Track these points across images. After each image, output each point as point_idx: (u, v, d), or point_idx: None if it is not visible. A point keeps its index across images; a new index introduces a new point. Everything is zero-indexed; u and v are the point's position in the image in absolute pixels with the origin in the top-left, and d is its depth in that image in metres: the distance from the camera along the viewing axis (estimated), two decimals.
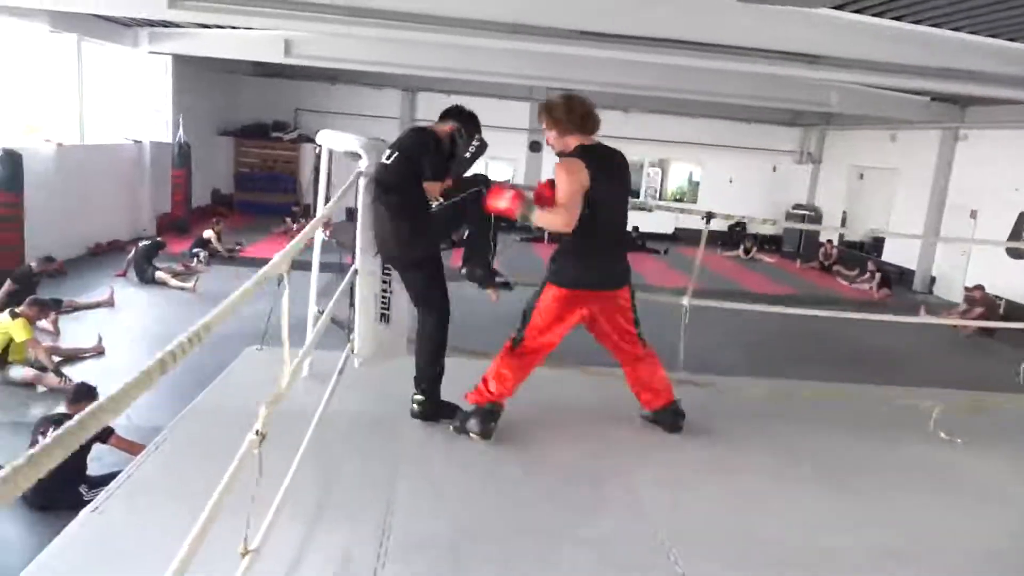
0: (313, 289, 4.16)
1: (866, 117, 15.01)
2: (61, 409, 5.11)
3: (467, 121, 3.48)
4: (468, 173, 3.57)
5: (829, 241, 16.78)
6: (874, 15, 7.41)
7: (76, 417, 1.04)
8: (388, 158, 3.41)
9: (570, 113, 3.35)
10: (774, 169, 19.51)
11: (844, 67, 8.64)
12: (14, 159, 8.60)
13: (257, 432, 1.85)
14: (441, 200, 3.39)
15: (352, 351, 3.57)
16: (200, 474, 1.64)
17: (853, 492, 3.31)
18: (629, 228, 17.25)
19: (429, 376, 3.52)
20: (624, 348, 3.60)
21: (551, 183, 3.30)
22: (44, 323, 7.68)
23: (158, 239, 10.97)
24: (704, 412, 3.95)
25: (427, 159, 3.34)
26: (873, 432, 4.00)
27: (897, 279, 14.63)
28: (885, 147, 16.13)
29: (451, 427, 3.45)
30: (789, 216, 18.47)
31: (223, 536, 1.85)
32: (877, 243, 16.29)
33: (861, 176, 17.60)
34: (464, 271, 3.53)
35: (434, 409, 3.52)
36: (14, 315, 6.56)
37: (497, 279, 3.55)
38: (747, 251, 17.14)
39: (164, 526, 1.51)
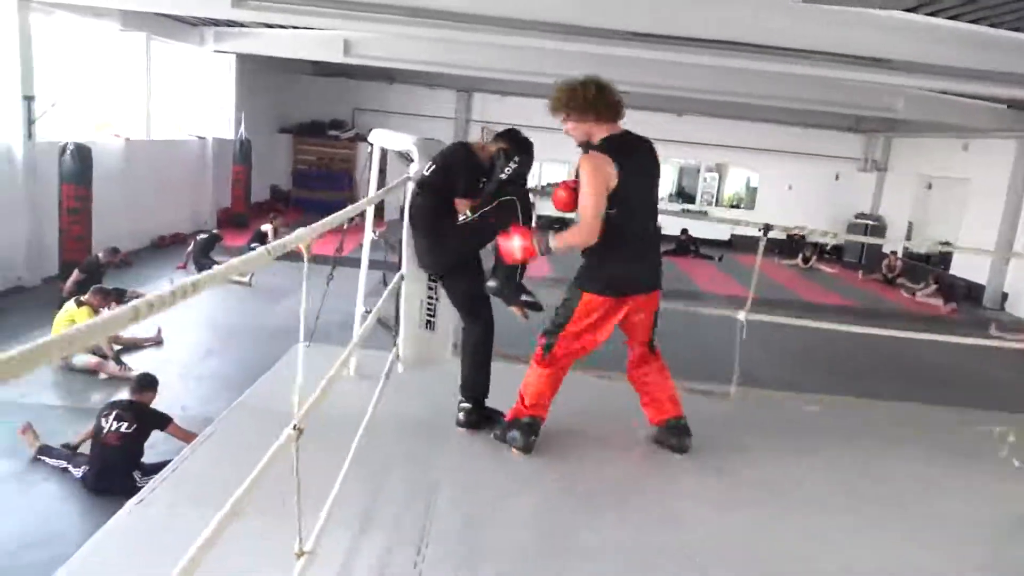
0: (361, 287, 4.17)
1: (936, 124, 14.43)
2: (123, 396, 5.24)
3: (516, 144, 3.33)
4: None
5: (893, 253, 16.18)
6: (949, 18, 7.10)
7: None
8: (427, 169, 3.41)
9: (588, 99, 3.07)
10: (836, 177, 18.94)
11: (913, 71, 8.30)
12: (84, 154, 8.90)
13: (295, 427, 1.83)
14: (468, 214, 3.29)
15: (397, 355, 3.56)
16: (241, 471, 1.63)
17: (910, 521, 3.14)
18: (678, 231, 16.85)
19: (475, 384, 3.48)
20: (638, 348, 3.48)
21: (570, 184, 3.13)
22: (107, 312, 7.93)
23: (215, 232, 11.22)
24: (756, 427, 3.82)
25: (461, 176, 3.30)
26: (938, 457, 3.81)
27: (965, 294, 14.03)
28: (956, 156, 15.47)
29: (492, 434, 3.40)
30: (851, 226, 17.91)
31: (275, 535, 1.85)
32: (944, 256, 15.65)
33: (929, 186, 16.94)
34: (490, 286, 3.43)
35: (480, 418, 3.49)
36: (79, 303, 6.79)
37: (524, 297, 3.42)
38: (806, 260, 16.67)
39: (204, 521, 1.50)
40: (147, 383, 5.13)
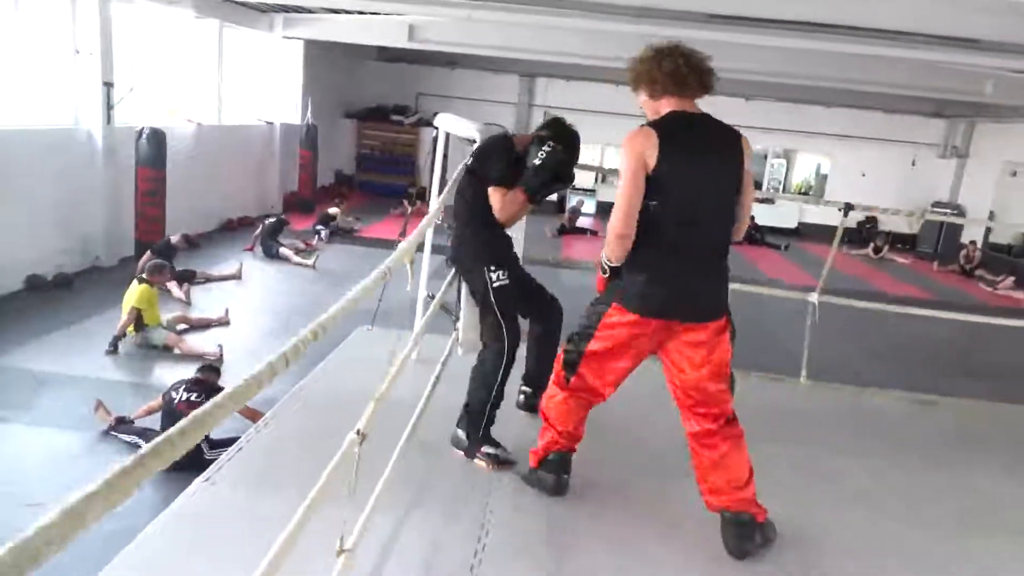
0: (424, 272, 4.17)
1: None
2: (192, 375, 5.39)
3: (555, 132, 3.05)
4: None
5: (972, 242, 15.42)
6: None
7: (213, 400, 1.17)
8: (469, 157, 3.29)
9: (658, 67, 2.48)
10: (913, 163, 18.13)
11: (1004, 52, 7.83)
12: (159, 138, 9.19)
13: (358, 432, 1.82)
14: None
15: (457, 340, 3.54)
16: (302, 458, 1.64)
17: (996, 535, 2.96)
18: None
19: (474, 414, 3.05)
20: (700, 409, 2.56)
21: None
22: (178, 293, 8.20)
23: (282, 216, 11.46)
24: (830, 421, 3.67)
25: (495, 163, 3.06)
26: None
27: None
28: None
29: (521, 476, 2.92)
30: (928, 215, 17.10)
31: (321, 531, 1.85)
32: None
33: (1014, 173, 16.04)
34: (456, 435, 3.06)
35: (473, 448, 3.05)
36: (141, 281, 7.01)
37: (487, 449, 2.97)
38: (877, 250, 16.03)
39: (265, 507, 1.51)
40: (210, 368, 5.38)
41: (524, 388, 3.50)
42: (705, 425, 2.54)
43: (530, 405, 3.46)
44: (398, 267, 1.98)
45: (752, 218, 13.81)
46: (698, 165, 2.45)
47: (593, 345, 2.57)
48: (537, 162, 2.92)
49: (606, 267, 2.52)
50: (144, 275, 7.12)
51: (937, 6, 6.77)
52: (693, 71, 2.48)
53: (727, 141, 2.52)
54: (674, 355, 2.54)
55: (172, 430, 0.99)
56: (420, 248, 4.22)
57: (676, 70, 2.46)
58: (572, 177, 3.13)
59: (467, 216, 3.16)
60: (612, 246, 2.46)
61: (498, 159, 3.05)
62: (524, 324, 3.31)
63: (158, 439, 0.94)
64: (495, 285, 3.02)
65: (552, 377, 2.75)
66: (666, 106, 2.50)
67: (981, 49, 7.72)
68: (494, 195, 3.00)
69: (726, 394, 2.59)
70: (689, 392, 2.54)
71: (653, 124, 2.46)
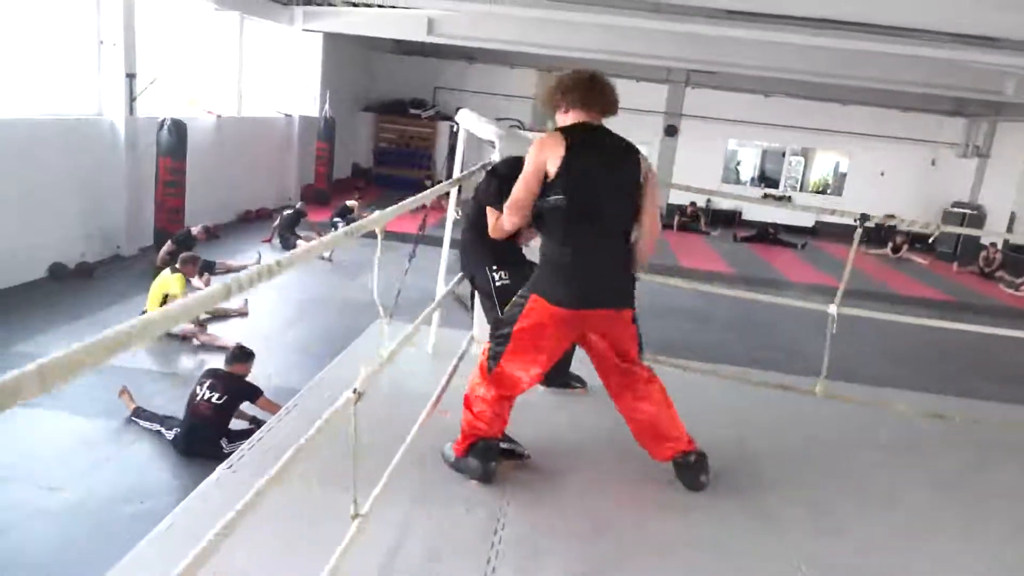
0: (443, 266, 4.21)
1: None
2: (218, 366, 5.43)
3: None
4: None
5: (992, 244, 15.26)
6: None
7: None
8: (479, 171, 3.39)
9: (570, 84, 2.76)
10: (932, 163, 17.97)
11: None
12: (180, 129, 9.28)
13: (355, 391, 1.88)
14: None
15: (473, 337, 3.58)
16: (321, 447, 1.69)
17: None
18: (758, 218, 16.20)
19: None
20: (621, 371, 2.87)
21: None
22: (198, 282, 8.30)
23: (299, 207, 11.51)
24: (850, 427, 3.68)
25: (493, 183, 3.14)
26: None
27: None
28: None
29: (446, 462, 2.92)
30: (947, 215, 16.98)
31: (336, 499, 1.90)
32: None
33: None
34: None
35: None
36: (175, 271, 7.13)
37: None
38: (896, 249, 15.91)
39: (285, 488, 1.57)
40: (244, 355, 5.30)
41: None
42: (637, 374, 2.85)
43: (549, 381, 3.48)
44: (360, 232, 1.96)
45: (775, 225, 13.61)
46: (607, 172, 2.69)
47: (517, 339, 2.70)
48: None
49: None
50: (178, 265, 7.23)
51: (958, 4, 6.72)
52: (599, 90, 2.76)
53: (627, 152, 2.77)
54: (598, 339, 2.79)
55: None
56: (439, 242, 4.27)
57: (590, 89, 2.74)
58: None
59: (472, 222, 3.26)
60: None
61: (498, 184, 3.11)
62: None
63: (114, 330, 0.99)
64: (498, 284, 3.15)
65: (475, 370, 2.83)
66: (572, 118, 2.76)
67: (1002, 48, 7.65)
68: (489, 214, 3.10)
69: (636, 352, 2.88)
70: (611, 357, 2.83)
71: (564, 131, 2.70)
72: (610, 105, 2.78)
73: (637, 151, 2.79)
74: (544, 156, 2.63)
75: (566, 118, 2.77)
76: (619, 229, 2.75)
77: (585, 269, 2.65)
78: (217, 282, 8.97)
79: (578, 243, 2.66)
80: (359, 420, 1.82)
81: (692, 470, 2.91)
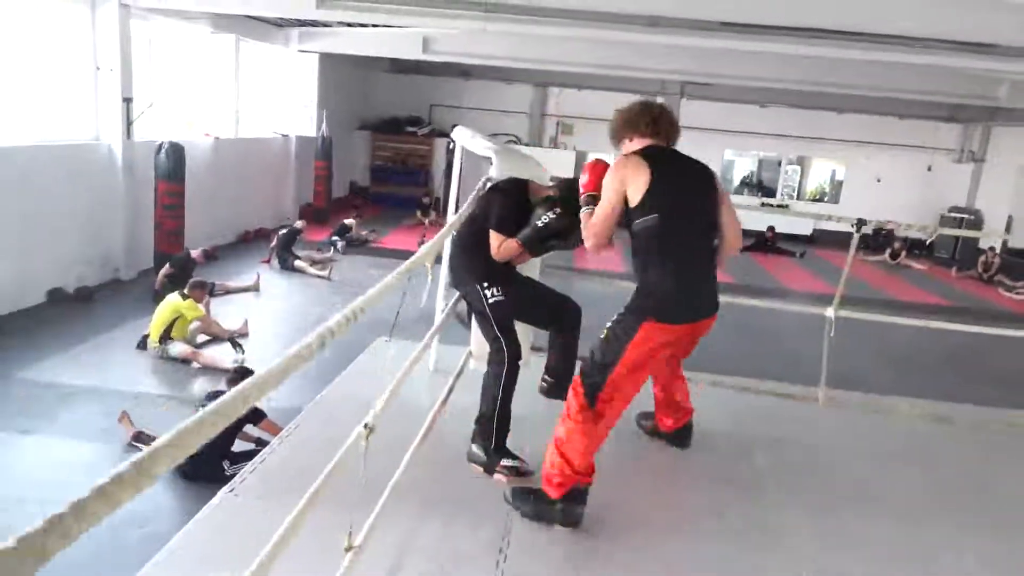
0: (442, 284, 4.20)
1: None
2: (220, 387, 5.42)
3: (566, 197, 3.01)
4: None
5: (991, 248, 15.28)
6: None
7: (232, 392, 1.11)
8: (482, 187, 3.36)
9: (633, 118, 2.90)
10: (928, 168, 18.02)
11: (1019, 56, 7.79)
12: (178, 152, 9.31)
13: (366, 426, 1.86)
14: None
15: (471, 353, 3.57)
16: (320, 464, 1.67)
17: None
18: (757, 226, 16.25)
19: (483, 427, 3.08)
20: (673, 371, 3.32)
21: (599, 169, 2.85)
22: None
23: (295, 226, 11.44)
24: (852, 435, 3.66)
25: (497, 207, 3.11)
26: None
27: None
28: None
29: (520, 512, 2.78)
30: (944, 220, 17.02)
31: (332, 529, 1.89)
32: None
33: None
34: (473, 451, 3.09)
35: (492, 462, 3.05)
36: (184, 296, 7.12)
37: (507, 462, 2.99)
38: (894, 256, 15.92)
39: (288, 511, 1.55)
40: (246, 376, 5.27)
41: (545, 376, 3.53)
42: (678, 370, 3.33)
43: (550, 391, 3.49)
44: (418, 268, 2.00)
45: (772, 228, 13.69)
46: (688, 188, 2.83)
47: (622, 369, 2.66)
48: (540, 224, 2.99)
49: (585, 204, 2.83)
50: (186, 291, 7.21)
51: (951, 10, 6.76)
52: (666, 122, 2.90)
53: (701, 169, 2.91)
54: (680, 347, 2.96)
55: (195, 418, 1.03)
56: (438, 259, 4.26)
57: (656, 118, 2.88)
58: (576, 242, 3.07)
59: (465, 240, 3.22)
60: (588, 234, 2.80)
61: (502, 207, 3.10)
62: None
63: (153, 446, 0.93)
64: (491, 301, 3.08)
65: (570, 412, 2.72)
66: (639, 144, 2.86)
67: (995, 53, 7.69)
68: (493, 237, 3.06)
69: None
70: (674, 359, 3.22)
71: (642, 155, 2.76)
72: (675, 133, 2.94)
73: (706, 165, 2.94)
74: (625, 179, 2.71)
75: (632, 145, 2.88)
76: (708, 240, 2.90)
77: (689, 283, 2.77)
78: (215, 303, 8.99)
79: (679, 260, 2.75)
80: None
81: (688, 433, 3.42)
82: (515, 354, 3.08)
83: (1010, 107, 13.48)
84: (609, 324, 2.73)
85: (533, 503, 2.75)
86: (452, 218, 3.22)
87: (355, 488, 1.86)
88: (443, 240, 2.15)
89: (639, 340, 2.65)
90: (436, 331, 3.09)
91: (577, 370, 2.82)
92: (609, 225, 2.74)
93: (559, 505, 2.71)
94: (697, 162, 2.92)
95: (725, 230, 2.93)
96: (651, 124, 2.86)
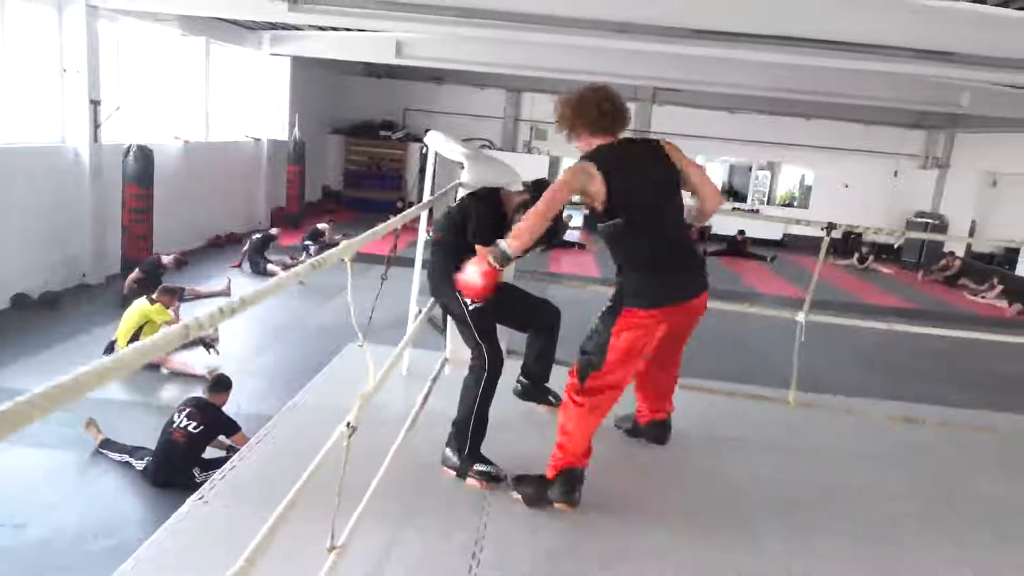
0: (415, 288, 4.20)
1: (1002, 118, 13.87)
2: (197, 394, 5.32)
3: (538, 195, 2.94)
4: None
5: (951, 253, 15.64)
6: (1019, 8, 6.81)
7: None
8: (456, 198, 3.37)
9: (580, 112, 2.88)
10: (895, 174, 18.38)
11: (979, 64, 7.97)
12: (146, 155, 9.18)
13: (348, 424, 1.85)
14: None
15: (447, 358, 3.57)
16: (294, 469, 1.66)
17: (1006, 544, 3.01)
18: (729, 231, 16.44)
19: (459, 432, 3.08)
20: (668, 358, 3.26)
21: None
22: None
23: (270, 231, 11.38)
24: (823, 435, 3.71)
25: (473, 219, 3.13)
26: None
27: None
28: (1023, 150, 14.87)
29: (514, 494, 2.93)
30: (911, 225, 17.38)
31: (312, 531, 1.88)
32: (1010, 256, 15.05)
33: (994, 183, 16.30)
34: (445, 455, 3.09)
35: (465, 467, 3.06)
36: (152, 301, 7.00)
37: (480, 467, 3.00)
38: (862, 260, 16.21)
39: (260, 517, 1.54)
40: (223, 385, 5.22)
41: (521, 379, 3.54)
42: (675, 361, 3.28)
43: (526, 393, 3.52)
44: (330, 261, 1.94)
45: (742, 232, 13.84)
46: (647, 179, 2.82)
47: (613, 354, 2.79)
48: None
49: (500, 259, 2.63)
50: (156, 295, 7.09)
51: (910, 19, 6.91)
52: (615, 113, 2.88)
53: (655, 152, 2.90)
54: (676, 330, 2.97)
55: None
56: (410, 263, 4.26)
57: (604, 112, 2.85)
58: (555, 241, 3.22)
59: (444, 249, 3.22)
60: (521, 241, 2.65)
61: (480, 219, 3.13)
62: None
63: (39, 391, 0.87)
64: (471, 308, 3.08)
65: (568, 394, 2.88)
66: (594, 141, 2.87)
67: (955, 62, 7.86)
68: (479, 250, 3.02)
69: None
70: (672, 346, 3.12)
71: (594, 158, 2.77)
72: (622, 120, 2.90)
73: (658, 143, 2.93)
74: (576, 187, 2.73)
75: (582, 145, 2.91)
76: (678, 220, 2.93)
77: (664, 269, 2.83)
78: (185, 308, 8.84)
79: (651, 251, 2.83)
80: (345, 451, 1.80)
81: (666, 430, 3.47)
82: (496, 362, 3.07)
83: (972, 114, 13.81)
84: (597, 315, 2.88)
85: (534, 484, 2.89)
86: (423, 221, 3.21)
87: (333, 490, 1.84)
88: (370, 238, 2.12)
89: (622, 327, 2.78)
90: (411, 336, 3.07)
91: (575, 360, 2.91)
92: (537, 234, 2.67)
93: (555, 485, 2.85)
94: (648, 144, 2.94)
95: (700, 191, 2.99)
96: (599, 119, 2.85)
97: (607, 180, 2.71)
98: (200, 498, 2.61)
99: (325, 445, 1.81)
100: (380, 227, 2.31)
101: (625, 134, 2.96)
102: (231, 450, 4.90)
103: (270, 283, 1.50)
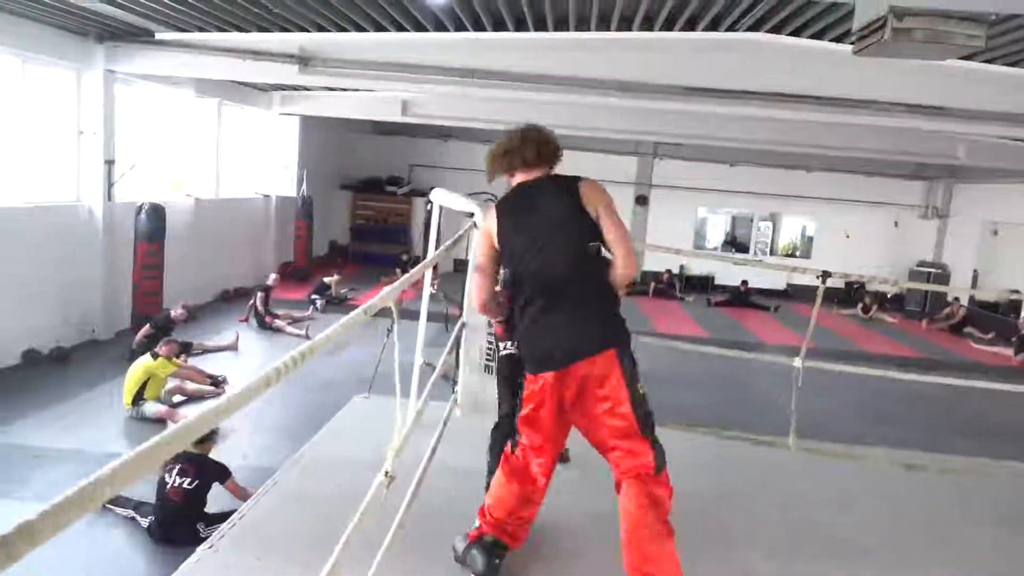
0: (420, 339, 4.27)
1: (1000, 169, 14.08)
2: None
3: None
4: None
5: (956, 299, 15.68)
6: (1007, 64, 7.02)
7: (172, 428, 1.03)
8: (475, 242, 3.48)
9: (490, 157, 2.80)
10: (896, 224, 18.55)
11: (972, 118, 8.19)
12: (159, 213, 9.39)
13: (386, 473, 1.89)
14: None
15: (456, 402, 3.62)
16: (303, 521, 1.70)
17: None
18: (732, 281, 16.36)
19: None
20: (619, 450, 2.46)
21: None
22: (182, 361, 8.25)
23: (267, 282, 11.39)
24: (824, 483, 3.72)
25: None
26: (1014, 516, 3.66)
27: None
28: (1023, 200, 15.02)
29: (453, 553, 2.74)
30: (913, 274, 17.45)
31: None
32: (1014, 304, 15.06)
33: (995, 232, 16.42)
34: None
35: None
36: (154, 355, 7.08)
37: None
38: (866, 309, 16.23)
39: (269, 567, 1.58)
40: (209, 434, 5.27)
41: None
42: (638, 462, 2.46)
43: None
44: (374, 310, 2.00)
45: (745, 282, 13.84)
46: (534, 220, 2.55)
47: (519, 419, 2.59)
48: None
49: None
50: (159, 349, 7.18)
51: (902, 78, 7.14)
52: (526, 145, 2.69)
53: (553, 188, 2.62)
54: (578, 405, 2.48)
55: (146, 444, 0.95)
56: (412, 316, 4.34)
57: (507, 152, 2.70)
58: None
59: None
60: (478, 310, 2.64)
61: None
62: None
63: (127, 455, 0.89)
64: (501, 353, 3.17)
65: (502, 458, 2.69)
66: (516, 181, 2.72)
67: (949, 116, 8.08)
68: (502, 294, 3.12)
69: (635, 420, 2.44)
70: (597, 429, 2.49)
71: (497, 203, 2.69)
72: (535, 158, 2.68)
73: (576, 181, 2.60)
74: (485, 234, 2.67)
75: (513, 182, 2.75)
76: (572, 275, 2.49)
77: (544, 329, 2.46)
78: (194, 363, 8.91)
79: (529, 303, 2.50)
80: (385, 501, 1.83)
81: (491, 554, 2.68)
82: (507, 412, 3.05)
83: (969, 165, 14.03)
84: None
85: (465, 543, 2.68)
86: (428, 275, 3.30)
87: (388, 546, 1.85)
88: (402, 286, 2.18)
89: (525, 394, 2.54)
90: (427, 388, 3.14)
91: None
92: (480, 286, 2.60)
93: (470, 549, 2.64)
94: (560, 181, 2.64)
95: (612, 250, 2.54)
96: (507, 164, 2.70)
97: (499, 223, 2.58)
98: (210, 546, 2.65)
99: (340, 499, 1.84)
100: (410, 274, 2.36)
101: (558, 170, 2.74)
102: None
103: (318, 339, 1.53)
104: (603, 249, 2.53)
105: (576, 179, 2.61)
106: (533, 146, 2.68)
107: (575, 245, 2.49)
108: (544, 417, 2.50)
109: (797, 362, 3.77)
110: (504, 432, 2.99)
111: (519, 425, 2.57)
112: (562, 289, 2.48)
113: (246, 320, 10.90)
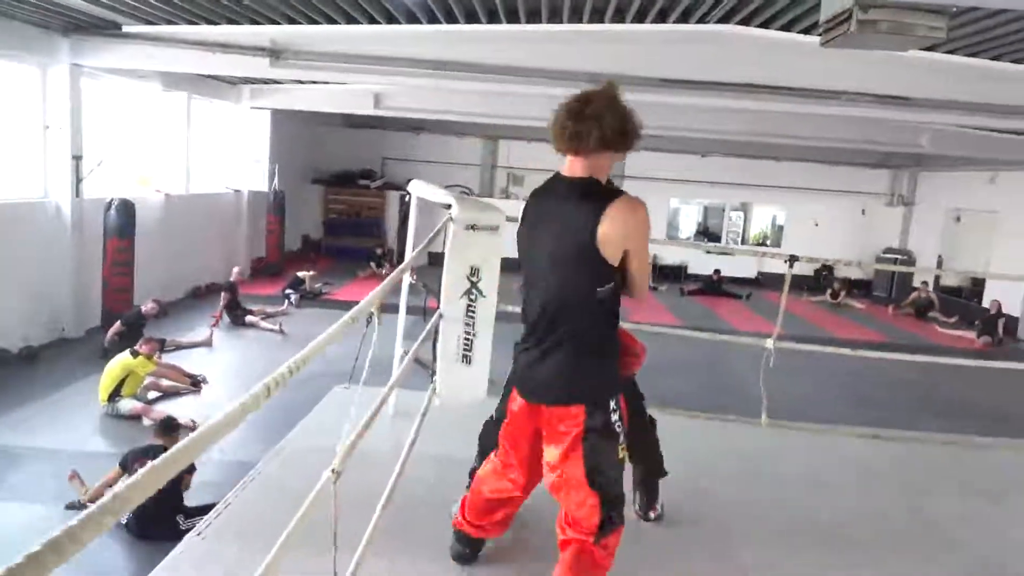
0: (400, 330, 4.30)
1: (962, 158, 14.44)
2: (151, 441, 5.38)
3: None
4: None
5: (924, 283, 16.08)
6: (968, 55, 7.20)
7: (175, 447, 1.03)
8: (451, 234, 3.52)
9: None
10: (863, 212, 18.91)
11: (935, 108, 8.39)
12: (128, 209, 9.26)
13: (333, 470, 1.92)
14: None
15: (435, 391, 3.65)
16: (283, 514, 1.73)
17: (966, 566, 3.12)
18: (710, 271, 16.69)
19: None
20: (567, 513, 2.28)
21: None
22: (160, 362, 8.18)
23: (231, 281, 11.29)
24: (798, 463, 3.83)
25: None
26: (977, 489, 3.80)
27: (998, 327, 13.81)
28: (984, 188, 15.42)
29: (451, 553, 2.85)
30: (880, 260, 17.84)
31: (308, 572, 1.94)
32: (976, 289, 15.49)
33: (958, 219, 16.84)
34: None
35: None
36: (134, 353, 7.02)
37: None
38: (835, 295, 16.56)
39: (249, 559, 1.60)
40: (170, 427, 5.34)
41: None
42: (580, 528, 2.24)
43: None
44: (362, 315, 2.05)
45: (718, 271, 14.06)
46: (540, 229, 2.23)
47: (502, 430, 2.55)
48: None
49: None
50: (139, 347, 7.12)
51: (868, 68, 7.29)
52: (561, 119, 2.18)
53: (580, 211, 2.13)
54: (520, 427, 2.39)
55: (139, 474, 0.94)
56: (396, 308, 4.36)
57: (550, 123, 2.20)
58: None
59: None
60: None
61: None
62: None
63: (120, 488, 0.89)
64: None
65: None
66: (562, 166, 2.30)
67: (913, 105, 8.27)
68: None
69: (588, 486, 2.20)
70: (553, 478, 2.29)
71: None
72: (566, 141, 2.14)
73: (607, 202, 2.11)
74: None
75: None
76: (561, 316, 2.20)
77: (528, 353, 2.26)
78: (167, 359, 8.83)
79: (525, 321, 2.31)
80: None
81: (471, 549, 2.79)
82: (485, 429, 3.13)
83: (933, 154, 14.36)
84: None
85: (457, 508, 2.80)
86: (403, 265, 3.32)
87: (322, 534, 1.90)
88: (386, 289, 2.19)
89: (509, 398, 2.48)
90: (398, 377, 3.16)
91: None
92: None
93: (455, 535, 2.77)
94: (588, 200, 2.11)
95: (628, 288, 2.30)
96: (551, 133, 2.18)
97: (520, 221, 2.32)
98: (198, 534, 2.67)
99: (306, 491, 1.87)
100: (390, 277, 2.36)
101: (571, 156, 2.22)
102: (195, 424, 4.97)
103: (306, 351, 1.55)
104: (613, 284, 2.18)
105: (609, 197, 2.11)
106: (569, 123, 2.08)
107: (571, 291, 2.17)
108: (515, 434, 2.41)
109: (769, 343, 3.88)
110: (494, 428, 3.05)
111: (499, 436, 2.57)
112: (551, 329, 2.21)
113: (219, 316, 10.80)
